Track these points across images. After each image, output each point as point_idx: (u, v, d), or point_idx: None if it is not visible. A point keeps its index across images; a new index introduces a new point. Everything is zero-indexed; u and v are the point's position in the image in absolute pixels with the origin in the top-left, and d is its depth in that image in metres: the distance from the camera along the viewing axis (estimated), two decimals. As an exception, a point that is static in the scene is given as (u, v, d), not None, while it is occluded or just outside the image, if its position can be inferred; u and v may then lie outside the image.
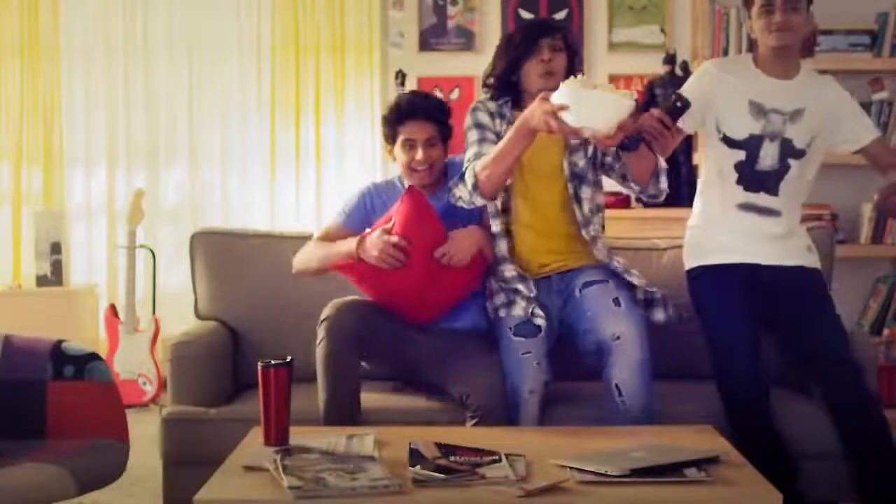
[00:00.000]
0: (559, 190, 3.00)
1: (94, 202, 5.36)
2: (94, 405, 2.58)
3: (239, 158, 5.34)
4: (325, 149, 5.30)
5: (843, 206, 4.87)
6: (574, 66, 3.02)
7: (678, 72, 4.87)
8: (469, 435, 2.50)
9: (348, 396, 2.86)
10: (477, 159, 2.86)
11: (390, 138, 3.10)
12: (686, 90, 2.95)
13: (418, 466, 2.11)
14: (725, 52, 4.82)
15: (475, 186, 2.84)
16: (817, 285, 3.03)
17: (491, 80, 3.08)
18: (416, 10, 5.24)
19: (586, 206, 3.01)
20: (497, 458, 2.19)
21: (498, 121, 3.00)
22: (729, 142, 3.01)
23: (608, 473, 2.09)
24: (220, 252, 3.44)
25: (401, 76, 5.24)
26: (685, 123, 2.96)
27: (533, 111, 2.64)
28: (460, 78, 5.24)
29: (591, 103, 2.54)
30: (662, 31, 5.19)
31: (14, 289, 5.14)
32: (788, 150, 2.99)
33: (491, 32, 5.23)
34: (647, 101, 4.88)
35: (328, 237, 3.11)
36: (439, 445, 2.25)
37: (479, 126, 2.99)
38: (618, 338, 2.79)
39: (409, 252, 2.86)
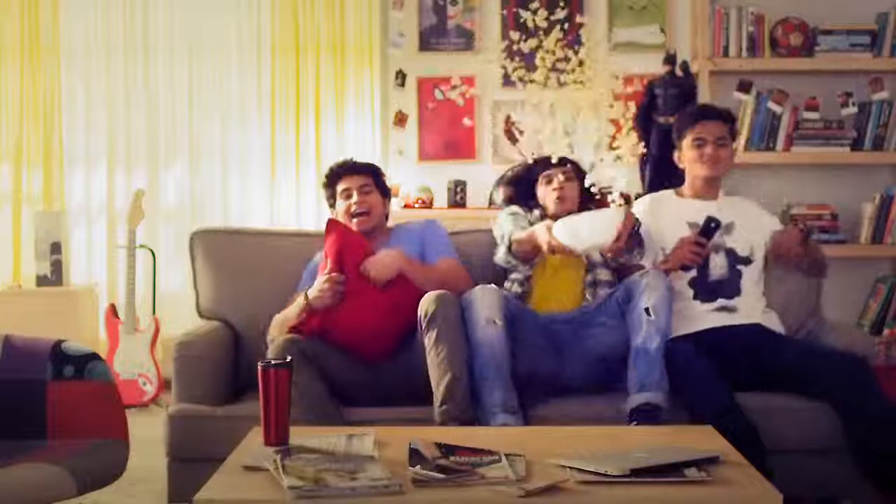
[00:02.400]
0: (575, 276, 3.25)
1: (94, 202, 5.35)
2: (94, 405, 2.58)
3: (239, 158, 5.34)
4: (325, 149, 5.29)
5: (843, 206, 4.89)
6: (589, 193, 3.42)
7: (678, 72, 4.86)
8: (469, 435, 2.50)
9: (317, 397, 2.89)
10: (515, 229, 3.23)
11: (331, 198, 3.35)
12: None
13: (418, 466, 2.11)
14: (726, 52, 4.83)
15: (509, 250, 3.21)
16: (779, 334, 3.18)
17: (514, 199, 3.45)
18: (416, 10, 5.24)
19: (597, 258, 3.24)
20: (497, 458, 2.20)
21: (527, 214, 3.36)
22: (682, 266, 3.19)
23: (608, 473, 2.09)
24: (219, 250, 3.45)
25: (401, 76, 5.25)
26: (643, 258, 3.20)
27: (540, 237, 3.02)
28: (460, 78, 5.23)
29: (583, 227, 2.95)
30: (662, 31, 5.19)
31: (14, 289, 5.14)
32: (734, 259, 3.24)
33: (491, 32, 5.23)
34: (648, 101, 4.88)
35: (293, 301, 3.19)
36: (439, 445, 2.25)
37: (512, 213, 3.34)
38: (646, 272, 3.01)
39: (347, 278, 3.01)
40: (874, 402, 2.79)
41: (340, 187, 3.30)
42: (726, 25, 4.83)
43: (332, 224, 3.14)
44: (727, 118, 3.38)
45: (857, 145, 4.83)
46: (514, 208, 3.38)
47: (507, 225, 3.28)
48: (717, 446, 2.36)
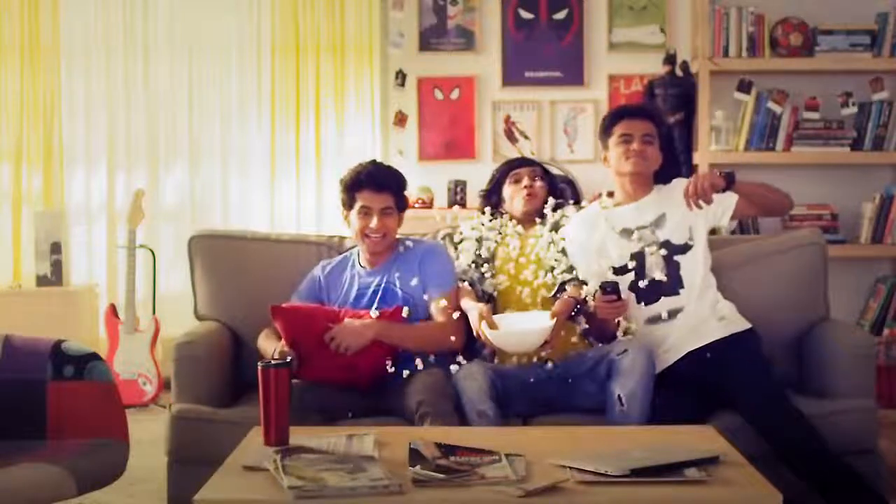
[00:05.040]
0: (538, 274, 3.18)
1: (94, 202, 5.35)
2: (94, 405, 2.59)
3: (239, 158, 5.34)
4: (325, 149, 5.29)
5: (843, 206, 4.89)
6: (556, 195, 3.36)
7: (678, 72, 4.87)
8: (469, 435, 2.50)
9: None
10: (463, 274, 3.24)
11: (347, 204, 3.20)
12: (573, 257, 3.17)
13: (418, 466, 2.11)
14: (726, 52, 4.83)
15: None
16: (732, 351, 3.05)
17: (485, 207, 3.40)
18: (416, 10, 5.24)
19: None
20: (497, 458, 2.19)
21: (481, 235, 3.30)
22: (618, 271, 3.15)
23: (608, 473, 2.09)
24: (218, 255, 3.45)
25: (401, 76, 5.25)
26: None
27: (471, 321, 3.02)
28: (460, 78, 5.24)
29: (513, 339, 2.94)
30: (662, 31, 5.19)
31: (14, 289, 5.14)
32: (671, 250, 3.14)
33: (491, 32, 5.23)
34: (648, 101, 4.88)
35: None
36: (439, 445, 2.25)
37: (464, 249, 3.30)
38: (625, 351, 2.89)
39: (300, 353, 2.94)
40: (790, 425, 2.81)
41: (360, 203, 3.15)
42: (726, 25, 4.83)
43: (275, 312, 3.00)
44: (654, 117, 3.29)
45: (857, 145, 4.83)
46: (466, 235, 3.32)
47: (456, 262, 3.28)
48: (717, 446, 2.36)
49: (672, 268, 3.13)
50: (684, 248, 3.16)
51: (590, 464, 2.13)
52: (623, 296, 3.02)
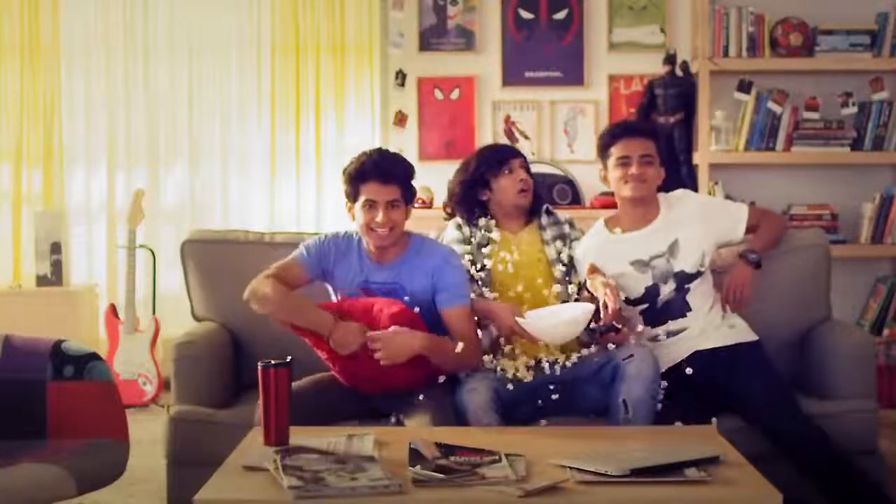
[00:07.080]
0: (543, 274, 3.14)
1: (94, 202, 5.35)
2: (94, 405, 2.59)
3: (239, 158, 5.34)
4: (325, 149, 5.29)
5: (843, 206, 4.89)
6: (536, 189, 3.25)
7: (678, 72, 4.87)
8: (469, 435, 2.50)
9: None
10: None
11: (351, 196, 3.00)
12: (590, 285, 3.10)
13: (418, 466, 2.11)
14: (726, 52, 4.84)
15: None
16: (742, 358, 3.03)
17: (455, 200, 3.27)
18: (416, 10, 5.24)
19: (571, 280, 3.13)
20: (497, 458, 2.19)
21: (471, 237, 3.19)
22: (631, 302, 3.12)
23: (608, 473, 2.09)
24: (211, 258, 3.43)
25: (401, 76, 5.25)
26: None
27: (503, 321, 2.94)
28: (460, 78, 5.24)
29: (559, 328, 2.86)
30: (662, 31, 5.19)
31: (14, 289, 5.14)
32: (683, 279, 3.11)
33: (491, 32, 5.23)
34: (648, 101, 4.89)
35: (286, 271, 3.01)
36: (439, 445, 2.25)
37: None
38: (631, 355, 2.85)
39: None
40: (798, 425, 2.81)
41: (365, 195, 2.93)
42: (726, 25, 4.83)
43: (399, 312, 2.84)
44: (652, 135, 3.21)
45: (857, 145, 4.83)
46: (456, 236, 3.20)
47: None
48: (717, 446, 2.36)
49: (682, 294, 3.10)
50: (696, 275, 3.11)
51: (590, 464, 2.13)
52: (633, 318, 3.03)
